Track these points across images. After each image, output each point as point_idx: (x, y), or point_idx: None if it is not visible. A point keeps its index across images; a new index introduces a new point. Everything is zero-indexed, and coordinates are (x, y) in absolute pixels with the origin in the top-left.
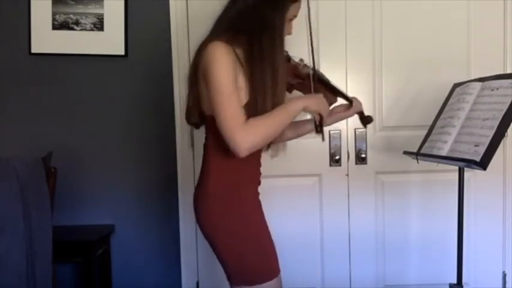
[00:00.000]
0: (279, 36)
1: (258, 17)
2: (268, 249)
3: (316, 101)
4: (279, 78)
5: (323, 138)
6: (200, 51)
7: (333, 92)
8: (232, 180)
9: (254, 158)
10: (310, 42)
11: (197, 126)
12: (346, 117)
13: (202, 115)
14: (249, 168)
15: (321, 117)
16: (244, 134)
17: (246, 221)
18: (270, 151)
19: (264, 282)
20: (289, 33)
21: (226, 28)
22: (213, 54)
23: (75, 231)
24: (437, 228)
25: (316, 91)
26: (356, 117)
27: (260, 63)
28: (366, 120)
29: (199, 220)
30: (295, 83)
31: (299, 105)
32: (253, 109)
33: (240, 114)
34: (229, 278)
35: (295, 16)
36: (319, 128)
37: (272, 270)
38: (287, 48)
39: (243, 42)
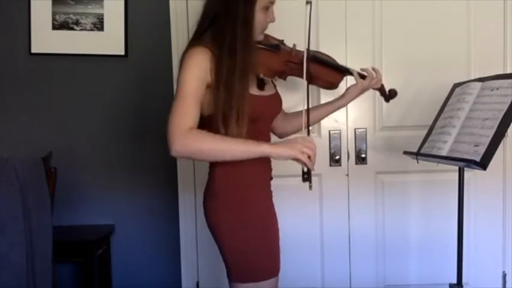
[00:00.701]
0: (242, 27)
1: (224, 12)
2: (272, 249)
3: (290, 149)
4: (236, 70)
5: (310, 187)
6: (182, 59)
7: (338, 70)
8: (239, 177)
9: None
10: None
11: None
12: (361, 92)
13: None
14: (257, 163)
15: (307, 164)
16: (183, 138)
17: (251, 218)
18: None
19: (262, 280)
20: (272, 21)
21: (205, 28)
22: (186, 60)
23: (75, 231)
24: (437, 228)
25: (314, 72)
26: (356, 116)
27: (219, 56)
28: (388, 95)
29: (206, 216)
30: (289, 70)
31: (262, 149)
32: (212, 104)
33: (189, 119)
34: (228, 274)
35: (271, 3)
36: (305, 176)
37: (271, 269)
38: (282, 37)
39: (216, 40)
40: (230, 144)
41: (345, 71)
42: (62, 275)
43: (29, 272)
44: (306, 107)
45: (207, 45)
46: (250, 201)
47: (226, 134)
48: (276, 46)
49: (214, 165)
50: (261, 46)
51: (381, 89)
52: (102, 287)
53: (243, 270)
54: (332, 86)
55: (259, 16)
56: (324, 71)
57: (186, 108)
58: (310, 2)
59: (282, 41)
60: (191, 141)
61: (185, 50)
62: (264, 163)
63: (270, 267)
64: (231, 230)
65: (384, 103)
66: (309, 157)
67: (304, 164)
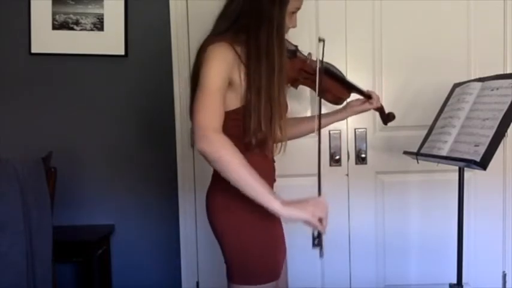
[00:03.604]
0: (277, 31)
1: (255, 12)
2: (274, 252)
3: (301, 210)
4: (275, 74)
5: (321, 255)
6: (201, 52)
7: (346, 86)
8: None
9: (266, 154)
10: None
11: None
12: (363, 111)
13: None
14: (261, 164)
15: (317, 227)
16: (215, 141)
17: (255, 220)
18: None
19: (261, 283)
20: (294, 26)
21: (228, 26)
22: (209, 55)
23: (75, 231)
24: (437, 228)
25: (325, 86)
26: (356, 116)
27: (256, 58)
28: (387, 118)
29: (209, 216)
30: (301, 78)
31: (273, 205)
32: (247, 106)
33: (218, 118)
34: (228, 275)
35: (297, 9)
36: (316, 241)
37: (272, 273)
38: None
39: (243, 39)
40: (250, 176)
41: (353, 88)
42: (62, 275)
43: (29, 272)
44: (318, 160)
45: (230, 43)
46: (254, 204)
47: (255, 135)
48: (293, 52)
49: None
50: None
51: (381, 112)
52: (102, 287)
53: (241, 272)
54: (339, 101)
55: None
56: (335, 85)
57: (214, 104)
58: (324, 40)
59: (297, 46)
60: (217, 148)
61: (206, 44)
62: (268, 166)
63: (272, 270)
64: (233, 231)
65: (384, 103)
66: (320, 220)
67: (314, 227)
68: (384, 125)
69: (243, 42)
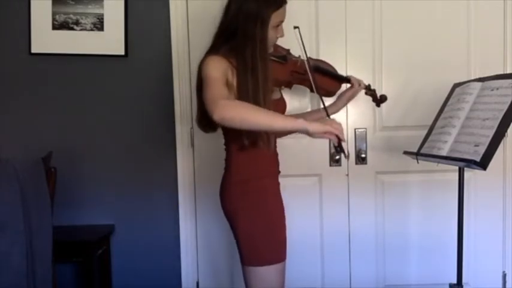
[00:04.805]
0: (260, 47)
1: (241, 32)
2: (280, 237)
3: (323, 124)
4: (259, 84)
5: (346, 156)
6: (201, 65)
7: (336, 79)
8: (252, 169)
9: (265, 150)
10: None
11: (213, 130)
12: (352, 96)
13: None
14: (268, 157)
15: (338, 137)
16: (226, 104)
17: (264, 209)
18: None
19: (271, 264)
20: (281, 36)
21: (222, 43)
22: (206, 63)
23: (75, 231)
24: (437, 228)
25: (317, 81)
26: (356, 116)
27: (243, 73)
28: (379, 100)
29: (223, 206)
30: (294, 79)
31: (300, 123)
32: None
33: (224, 93)
34: (241, 258)
35: (281, 22)
36: (338, 149)
37: (279, 255)
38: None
39: (234, 55)
40: (267, 115)
41: (343, 80)
42: (62, 275)
43: (29, 272)
44: (317, 94)
45: (224, 56)
46: (262, 191)
47: (246, 136)
48: (283, 57)
49: (230, 159)
50: (271, 58)
51: (373, 95)
52: (102, 287)
53: (256, 255)
54: (331, 94)
55: (270, 33)
56: (325, 80)
57: (218, 85)
58: (298, 27)
59: (289, 50)
60: (232, 107)
61: (204, 59)
62: (273, 157)
63: (279, 253)
64: (244, 216)
65: (384, 103)
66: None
67: (336, 137)
68: (382, 125)
69: (234, 57)
